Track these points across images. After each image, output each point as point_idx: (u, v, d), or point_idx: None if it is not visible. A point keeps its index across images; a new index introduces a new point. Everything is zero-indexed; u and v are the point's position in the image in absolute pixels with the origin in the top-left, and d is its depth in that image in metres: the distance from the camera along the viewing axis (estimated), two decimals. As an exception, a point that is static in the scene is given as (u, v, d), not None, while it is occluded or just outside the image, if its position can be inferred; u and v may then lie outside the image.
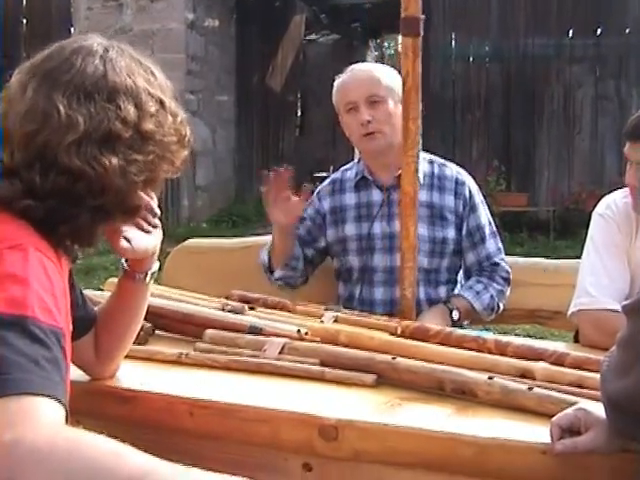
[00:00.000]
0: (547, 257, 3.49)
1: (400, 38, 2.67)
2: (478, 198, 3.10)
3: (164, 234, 1.87)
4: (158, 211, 1.81)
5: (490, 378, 1.84)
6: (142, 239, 1.78)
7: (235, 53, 14.49)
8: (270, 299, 2.69)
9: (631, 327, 1.40)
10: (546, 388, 1.81)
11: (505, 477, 1.64)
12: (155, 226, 1.81)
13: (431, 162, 3.11)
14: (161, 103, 1.61)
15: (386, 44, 23.50)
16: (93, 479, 1.09)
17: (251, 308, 2.50)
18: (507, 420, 1.74)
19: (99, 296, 2.35)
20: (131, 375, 2.01)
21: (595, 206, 2.67)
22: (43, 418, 1.17)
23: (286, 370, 2.03)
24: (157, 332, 2.36)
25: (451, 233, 3.02)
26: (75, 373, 1.83)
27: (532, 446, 1.62)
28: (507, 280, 3.07)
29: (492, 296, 3.00)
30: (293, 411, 1.79)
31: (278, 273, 3.04)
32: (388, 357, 2.00)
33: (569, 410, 1.61)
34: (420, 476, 1.70)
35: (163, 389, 1.92)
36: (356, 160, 3.21)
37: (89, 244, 1.62)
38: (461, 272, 3.15)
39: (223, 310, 2.43)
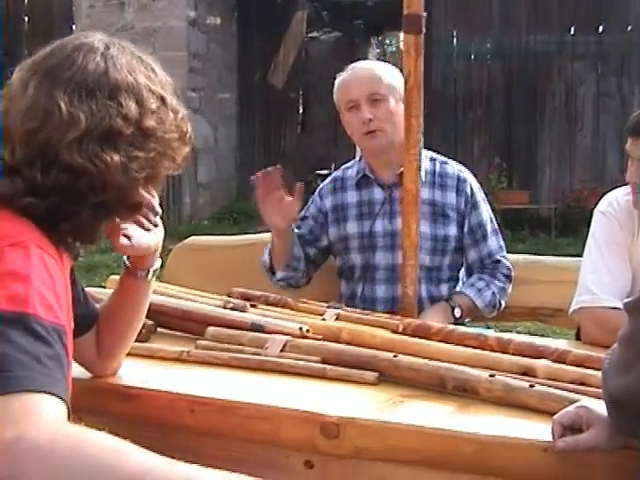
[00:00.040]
0: (549, 255, 3.49)
1: (402, 35, 2.67)
2: (480, 195, 3.10)
3: (166, 232, 1.87)
4: (159, 210, 1.81)
5: (492, 376, 1.84)
6: (143, 236, 1.77)
7: (237, 51, 14.50)
8: (272, 296, 2.69)
9: (632, 325, 1.40)
10: (548, 386, 1.81)
11: (506, 475, 1.64)
12: (156, 224, 1.81)
13: (433, 160, 3.11)
14: (162, 100, 1.61)
15: (388, 41, 23.49)
16: (94, 476, 1.10)
17: (253, 306, 2.50)
18: (509, 418, 1.74)
19: (101, 293, 2.34)
20: (133, 372, 2.01)
21: (597, 203, 2.67)
22: (45, 415, 1.17)
23: (288, 368, 2.03)
24: (159, 329, 2.36)
25: (453, 231, 3.02)
26: (77, 370, 1.83)
27: (533, 444, 1.62)
28: (509, 277, 3.07)
29: (494, 293, 3.00)
30: (295, 408, 1.79)
31: (279, 274, 3.04)
32: (390, 355, 2.00)
33: (571, 408, 1.61)
34: (421, 473, 1.71)
35: (165, 386, 1.92)
36: (357, 158, 3.21)
37: (91, 241, 1.63)
38: (463, 269, 3.15)
39: (225, 308, 2.43)
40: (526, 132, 13.09)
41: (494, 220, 3.14)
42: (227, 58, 14.12)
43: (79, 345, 1.72)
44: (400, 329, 2.38)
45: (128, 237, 1.73)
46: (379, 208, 3.05)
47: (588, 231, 2.64)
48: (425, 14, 2.58)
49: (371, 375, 1.96)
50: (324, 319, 2.47)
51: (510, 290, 3.08)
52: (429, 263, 2.98)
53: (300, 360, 2.05)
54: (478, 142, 13.31)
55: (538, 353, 2.08)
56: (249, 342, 2.17)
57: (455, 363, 1.95)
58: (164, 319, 2.37)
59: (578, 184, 12.54)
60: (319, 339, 2.19)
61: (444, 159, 3.14)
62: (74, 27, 12.81)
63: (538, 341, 2.27)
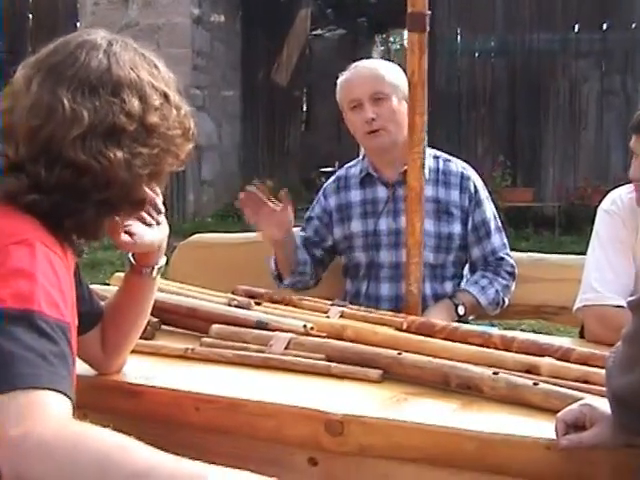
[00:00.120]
0: (552, 252, 3.49)
1: (406, 33, 2.67)
2: (483, 193, 3.10)
3: (170, 229, 1.88)
4: (163, 208, 1.81)
5: (495, 373, 1.84)
6: (146, 233, 1.77)
7: (240, 48, 14.51)
8: (276, 294, 2.70)
9: (636, 323, 1.40)
10: (551, 383, 1.81)
11: (510, 472, 1.64)
12: (158, 222, 1.81)
13: (436, 157, 3.11)
14: (165, 96, 1.61)
15: (392, 39, 23.49)
16: (99, 472, 1.10)
17: (257, 303, 2.51)
18: (512, 415, 1.74)
19: (105, 291, 2.35)
20: (137, 370, 2.01)
21: (600, 201, 2.67)
22: (51, 412, 1.18)
23: (292, 365, 2.03)
24: (163, 327, 2.36)
25: (457, 228, 3.02)
26: (82, 367, 1.84)
27: (537, 441, 1.62)
28: (512, 275, 3.07)
29: (497, 291, 3.00)
30: (299, 406, 1.79)
31: (287, 280, 3.04)
32: (394, 352, 2.00)
33: (574, 405, 1.61)
34: (425, 471, 1.71)
35: (169, 384, 1.92)
36: (360, 157, 3.21)
37: (94, 238, 1.63)
38: (467, 267, 3.15)
39: (229, 305, 2.43)
40: (530, 130, 13.09)
41: (497, 217, 3.14)
42: (231, 56, 14.13)
43: (84, 342, 1.72)
44: (404, 327, 2.39)
45: (130, 234, 1.73)
46: (383, 206, 3.05)
47: (592, 229, 2.64)
48: (429, 12, 2.58)
49: (375, 373, 1.96)
50: (328, 317, 2.47)
51: (514, 288, 3.08)
52: (433, 261, 2.98)
53: (304, 358, 2.05)
54: (482, 140, 13.31)
55: (542, 351, 2.08)
56: (253, 340, 2.17)
57: (459, 361, 1.95)
58: (169, 316, 2.37)
59: (582, 182, 12.54)
60: (323, 337, 2.19)
61: (447, 157, 3.14)
62: (78, 24, 12.84)
63: (542, 339, 2.27)
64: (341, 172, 3.23)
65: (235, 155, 14.44)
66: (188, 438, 1.83)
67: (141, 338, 2.02)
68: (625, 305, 1.47)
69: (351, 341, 2.16)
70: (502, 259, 3.07)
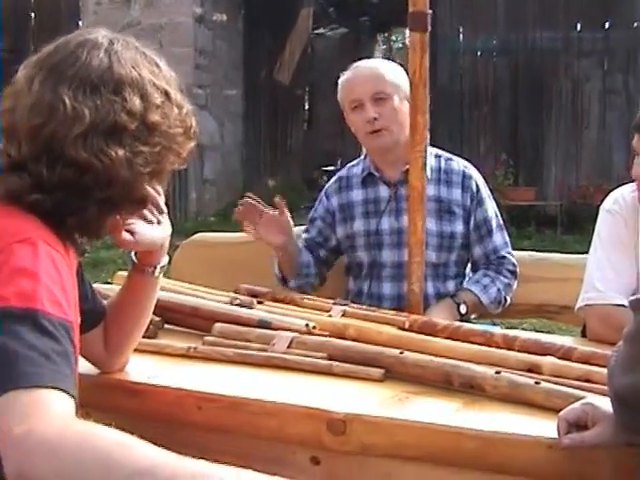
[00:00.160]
0: (554, 252, 3.49)
1: (408, 32, 2.67)
2: (485, 192, 3.10)
3: (173, 228, 1.88)
4: (165, 208, 1.82)
5: (497, 372, 1.84)
6: (147, 232, 1.78)
7: (243, 47, 14.50)
8: (278, 293, 2.71)
9: (638, 322, 1.40)
10: (553, 383, 1.81)
11: (512, 471, 1.64)
12: (159, 221, 1.81)
13: (438, 156, 3.11)
14: (166, 95, 1.61)
15: (394, 38, 23.47)
16: (102, 470, 1.10)
17: (259, 302, 2.51)
18: (514, 414, 1.75)
19: (107, 289, 2.35)
20: (140, 368, 2.01)
21: (603, 200, 2.67)
22: (54, 410, 1.18)
23: (294, 364, 2.04)
24: (166, 326, 2.37)
25: (459, 227, 3.02)
26: (84, 366, 1.84)
27: (539, 440, 1.63)
28: (514, 273, 3.07)
29: (499, 289, 3.01)
30: (301, 405, 1.79)
31: (292, 283, 3.04)
32: (396, 351, 2.00)
33: (576, 404, 1.61)
34: (428, 470, 1.71)
35: (172, 382, 1.92)
36: (362, 156, 3.21)
37: (97, 236, 1.64)
38: (469, 266, 3.15)
39: (232, 304, 2.44)
40: (532, 129, 13.08)
41: (499, 216, 3.14)
42: (233, 55, 14.13)
43: (86, 341, 1.73)
44: (406, 326, 2.39)
45: (131, 232, 1.74)
46: (385, 206, 3.05)
47: (594, 228, 2.64)
48: (430, 11, 2.59)
49: (377, 372, 1.96)
50: (330, 316, 2.47)
51: (515, 286, 3.08)
52: (435, 260, 2.98)
53: (306, 357, 2.05)
54: (484, 139, 13.30)
55: (544, 350, 2.08)
56: (256, 339, 2.18)
57: (461, 360, 1.95)
58: (171, 315, 2.38)
59: (584, 181, 12.53)
60: (325, 336, 2.19)
61: (449, 155, 3.14)
62: (80, 24, 12.84)
63: (544, 338, 2.27)
64: (343, 172, 3.23)
65: (237, 154, 14.44)
66: (190, 437, 1.83)
67: (144, 337, 2.03)
68: (627, 304, 1.47)
69: (353, 340, 2.16)
70: (504, 258, 3.07)
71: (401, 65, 3.08)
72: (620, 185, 2.65)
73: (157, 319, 2.29)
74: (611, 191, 2.68)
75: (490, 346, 2.14)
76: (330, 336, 2.19)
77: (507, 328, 3.02)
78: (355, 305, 2.65)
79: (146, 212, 1.76)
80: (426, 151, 2.66)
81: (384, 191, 3.07)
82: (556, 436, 1.58)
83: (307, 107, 19.36)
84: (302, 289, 3.03)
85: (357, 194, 3.11)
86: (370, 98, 2.95)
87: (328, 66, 15.80)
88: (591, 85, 12.95)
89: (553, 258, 3.31)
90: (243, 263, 3.27)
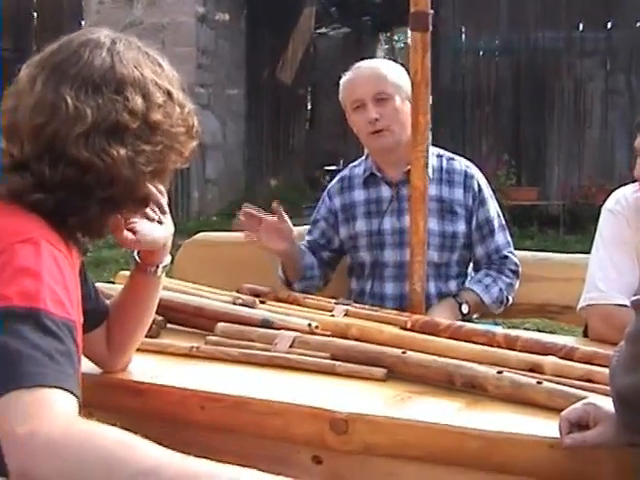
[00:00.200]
0: (557, 251, 3.49)
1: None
2: (487, 191, 3.10)
3: (175, 228, 1.88)
4: (167, 209, 1.82)
5: (499, 372, 1.85)
6: (150, 231, 1.78)
7: (245, 47, 14.50)
8: (281, 293, 2.71)
9: (639, 322, 1.41)
10: (555, 382, 1.81)
11: (514, 471, 1.64)
12: (160, 221, 1.81)
13: (440, 156, 3.11)
14: (168, 94, 1.62)
15: (396, 37, 23.45)
16: (106, 470, 1.11)
17: (262, 302, 2.51)
18: (516, 414, 1.75)
19: (110, 289, 2.35)
20: (143, 368, 2.02)
21: (605, 200, 2.67)
22: (57, 410, 1.19)
23: (297, 364, 2.04)
24: (169, 325, 2.37)
25: (461, 227, 3.03)
26: (87, 365, 1.84)
27: (541, 440, 1.63)
28: (516, 273, 3.07)
29: (501, 289, 3.01)
30: (304, 404, 1.79)
31: (297, 286, 3.04)
32: (398, 351, 2.00)
33: (578, 404, 1.61)
34: (429, 469, 1.71)
35: (175, 382, 1.92)
36: (364, 157, 3.21)
37: (99, 236, 1.64)
38: (471, 265, 3.15)
39: (234, 303, 2.44)
40: (534, 129, 13.08)
41: (501, 216, 3.14)
42: (235, 54, 14.12)
43: (89, 340, 1.73)
44: (408, 325, 2.39)
45: (133, 231, 1.74)
46: (387, 206, 3.05)
47: (596, 228, 2.64)
48: (432, 11, 2.59)
49: (380, 371, 1.96)
50: (333, 315, 2.48)
51: (517, 286, 3.08)
52: (438, 260, 2.99)
53: (309, 356, 2.06)
54: (486, 139, 13.30)
55: (546, 350, 2.09)
56: (258, 338, 2.18)
57: (463, 360, 1.96)
58: (174, 315, 2.38)
59: (586, 181, 12.52)
60: (328, 335, 2.19)
61: (451, 155, 3.15)
62: (83, 23, 12.84)
63: (546, 338, 2.27)
64: (345, 172, 3.24)
65: (239, 153, 14.43)
66: (193, 436, 1.84)
67: (146, 336, 2.03)
68: (629, 304, 1.47)
69: (356, 340, 2.16)
70: (506, 257, 3.07)
71: (403, 65, 3.08)
72: (622, 185, 2.65)
73: (160, 319, 2.29)
74: (613, 191, 2.68)
75: (492, 346, 2.14)
76: (332, 336, 2.19)
77: (509, 328, 3.02)
78: (357, 305, 2.66)
79: (148, 211, 1.76)
80: (428, 151, 2.67)
81: (386, 191, 3.07)
82: (558, 436, 1.58)
83: (309, 106, 19.35)
84: (306, 291, 3.03)
85: (359, 194, 3.11)
86: (372, 99, 2.95)
87: (330, 66, 15.80)
88: (593, 85, 12.95)
89: (555, 258, 3.31)
90: (245, 262, 3.27)
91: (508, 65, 13.25)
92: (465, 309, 2.94)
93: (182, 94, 1.67)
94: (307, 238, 3.16)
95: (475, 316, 3.04)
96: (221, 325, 2.26)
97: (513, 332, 2.33)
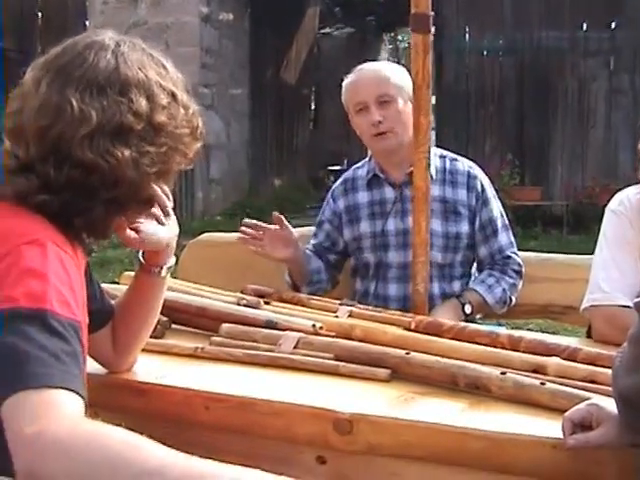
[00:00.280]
0: (561, 252, 3.49)
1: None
2: (490, 192, 3.10)
3: (180, 229, 1.89)
4: (172, 211, 1.82)
5: (503, 373, 1.85)
6: (154, 231, 1.79)
7: (249, 47, 14.52)
8: (285, 293, 2.71)
9: (642, 323, 1.41)
10: (559, 383, 1.82)
11: (518, 471, 1.65)
12: (162, 222, 1.82)
13: (442, 157, 3.11)
14: (173, 95, 1.62)
15: (400, 38, 23.45)
16: (112, 470, 1.11)
17: (266, 302, 2.52)
18: (519, 415, 1.75)
19: (115, 289, 2.36)
20: (148, 368, 2.02)
21: (609, 200, 2.67)
22: (64, 410, 1.19)
23: (301, 364, 2.04)
24: (173, 326, 2.37)
25: (464, 227, 3.03)
26: (92, 366, 1.85)
27: (544, 441, 1.63)
28: (519, 273, 3.07)
29: (504, 289, 3.01)
30: (308, 405, 1.80)
31: (305, 290, 3.04)
32: (402, 352, 2.01)
33: (581, 405, 1.61)
34: (433, 470, 1.72)
35: (179, 382, 1.93)
36: (367, 158, 3.21)
37: (104, 236, 1.65)
38: (475, 266, 3.15)
39: (238, 304, 2.44)
40: (538, 129, 13.07)
41: (504, 216, 3.14)
42: (239, 54, 14.14)
43: (94, 341, 1.74)
44: (412, 326, 2.40)
45: (137, 231, 1.74)
46: (390, 207, 3.05)
47: (599, 228, 2.64)
48: (433, 13, 2.58)
49: (383, 372, 1.97)
50: (337, 316, 2.48)
51: (520, 286, 3.08)
52: (441, 260, 2.99)
53: (313, 357, 2.06)
54: (490, 138, 13.30)
55: (549, 351, 2.09)
56: (263, 339, 2.19)
57: (467, 360, 1.96)
58: (179, 315, 2.39)
59: (590, 181, 12.52)
60: (332, 336, 2.20)
61: (454, 156, 3.15)
62: (87, 23, 12.86)
63: (549, 339, 2.27)
64: (348, 174, 3.24)
65: (243, 153, 14.45)
66: (198, 437, 1.84)
67: (151, 337, 2.04)
68: (632, 305, 1.47)
69: (359, 341, 2.17)
70: (509, 257, 3.07)
71: (406, 65, 3.08)
72: (626, 186, 2.65)
73: (164, 319, 2.30)
74: (617, 191, 2.68)
75: (495, 347, 2.15)
76: (337, 337, 2.20)
77: (512, 328, 3.03)
78: (361, 306, 2.66)
79: (153, 211, 1.77)
80: (430, 152, 2.67)
81: (389, 193, 3.07)
82: (561, 436, 1.59)
83: (313, 106, 19.36)
84: (315, 294, 3.03)
85: (363, 196, 3.11)
86: (374, 101, 2.96)
87: (334, 66, 15.81)
88: (597, 85, 12.94)
89: (558, 258, 3.31)
90: (250, 263, 3.27)
91: (512, 65, 13.24)
92: (468, 309, 2.94)
93: (186, 95, 1.68)
94: (312, 242, 3.16)
95: (478, 316, 3.05)
96: (225, 326, 2.26)
97: (516, 333, 2.33)
